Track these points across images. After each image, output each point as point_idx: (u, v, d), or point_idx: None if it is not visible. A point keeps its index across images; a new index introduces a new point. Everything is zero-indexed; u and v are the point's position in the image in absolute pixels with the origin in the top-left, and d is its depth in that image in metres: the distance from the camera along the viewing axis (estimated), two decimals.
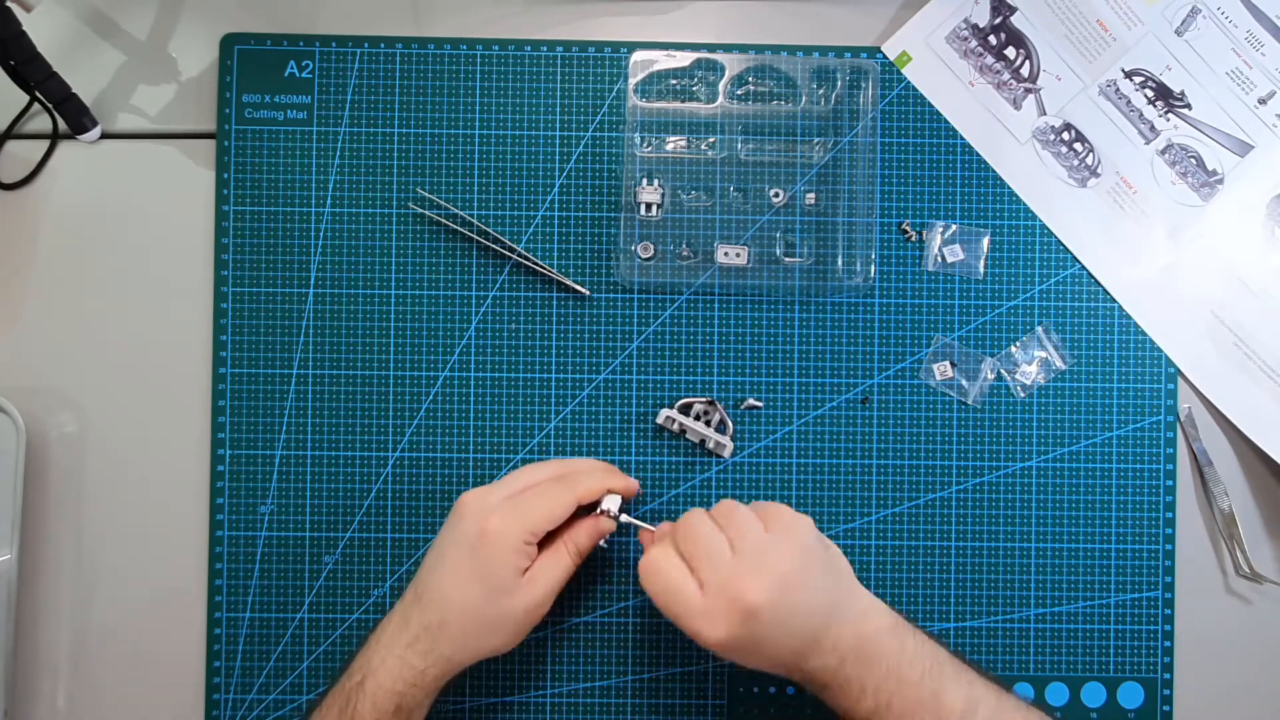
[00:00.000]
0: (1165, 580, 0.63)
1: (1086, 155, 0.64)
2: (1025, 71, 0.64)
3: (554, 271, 0.63)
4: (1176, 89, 0.64)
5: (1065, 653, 0.62)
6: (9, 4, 0.56)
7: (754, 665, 0.51)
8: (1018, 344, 0.63)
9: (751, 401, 0.63)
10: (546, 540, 0.55)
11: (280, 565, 0.62)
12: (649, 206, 0.63)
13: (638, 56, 0.63)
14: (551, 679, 0.62)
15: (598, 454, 0.63)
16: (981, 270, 0.64)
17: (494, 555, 0.52)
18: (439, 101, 0.64)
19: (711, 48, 0.64)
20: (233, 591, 0.62)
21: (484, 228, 0.63)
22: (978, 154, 0.64)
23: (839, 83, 0.64)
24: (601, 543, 0.57)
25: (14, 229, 0.63)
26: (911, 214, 0.64)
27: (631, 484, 0.58)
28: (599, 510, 0.56)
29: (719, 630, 0.49)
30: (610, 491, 0.57)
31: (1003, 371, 0.63)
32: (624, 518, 0.57)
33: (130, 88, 0.64)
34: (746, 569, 0.49)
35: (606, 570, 0.62)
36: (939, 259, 0.63)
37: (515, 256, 0.63)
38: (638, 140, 0.63)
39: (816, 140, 0.64)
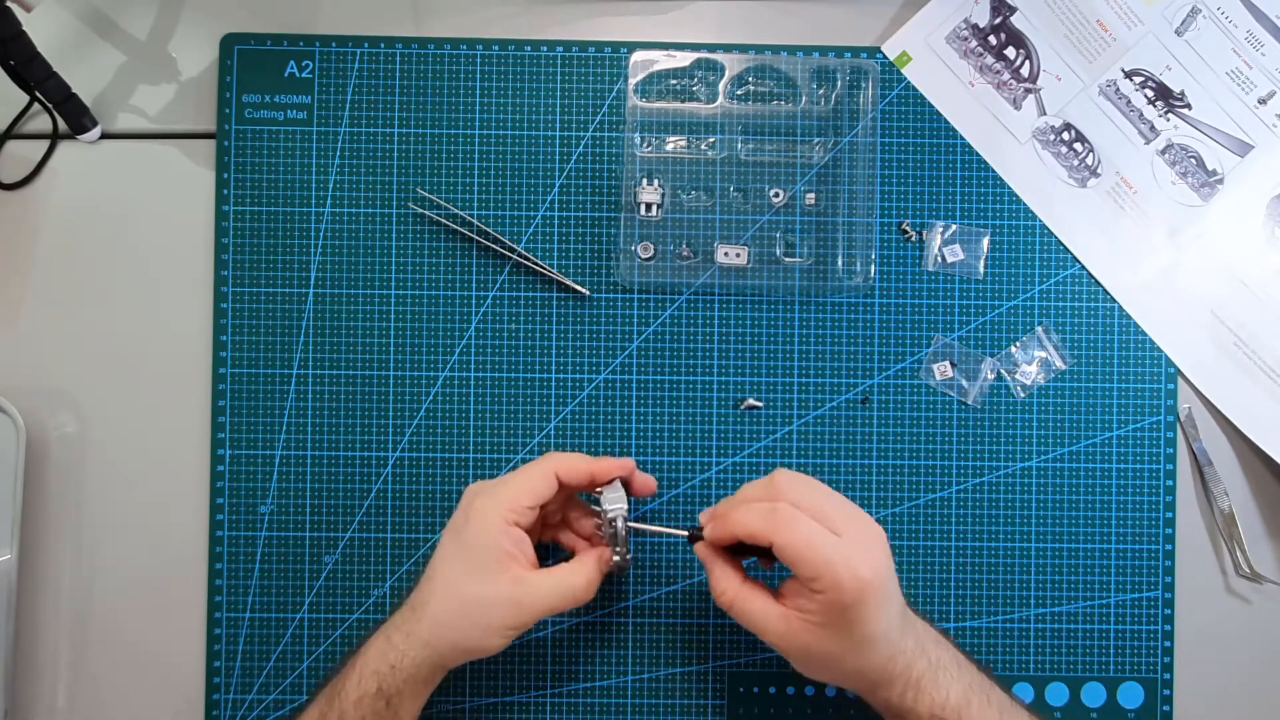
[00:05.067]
0: (1165, 580, 0.63)
1: (1086, 155, 0.64)
2: (1025, 71, 0.64)
3: (554, 271, 0.63)
4: (1176, 89, 0.64)
5: (1065, 653, 0.62)
6: (9, 4, 0.56)
7: (871, 637, 0.48)
8: (1018, 344, 0.63)
9: (751, 401, 0.63)
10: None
11: (280, 565, 0.62)
12: (649, 206, 0.63)
13: (638, 56, 0.63)
14: (551, 679, 0.62)
15: (597, 454, 0.62)
16: (981, 270, 0.64)
17: (475, 534, 0.52)
18: (439, 101, 0.64)
19: (711, 48, 0.64)
20: (233, 591, 0.62)
21: (484, 228, 0.63)
22: (978, 154, 0.64)
23: (839, 83, 0.64)
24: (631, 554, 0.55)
25: (14, 229, 0.63)
26: (911, 214, 0.64)
27: (647, 481, 0.57)
28: (603, 513, 0.54)
29: (869, 561, 0.47)
30: (616, 480, 0.55)
31: (1003, 371, 0.63)
32: (619, 524, 0.54)
33: (130, 88, 0.64)
34: (866, 519, 0.51)
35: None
36: (939, 259, 0.63)
37: (515, 256, 0.63)
38: (638, 140, 0.63)
39: (816, 140, 0.64)
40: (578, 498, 0.59)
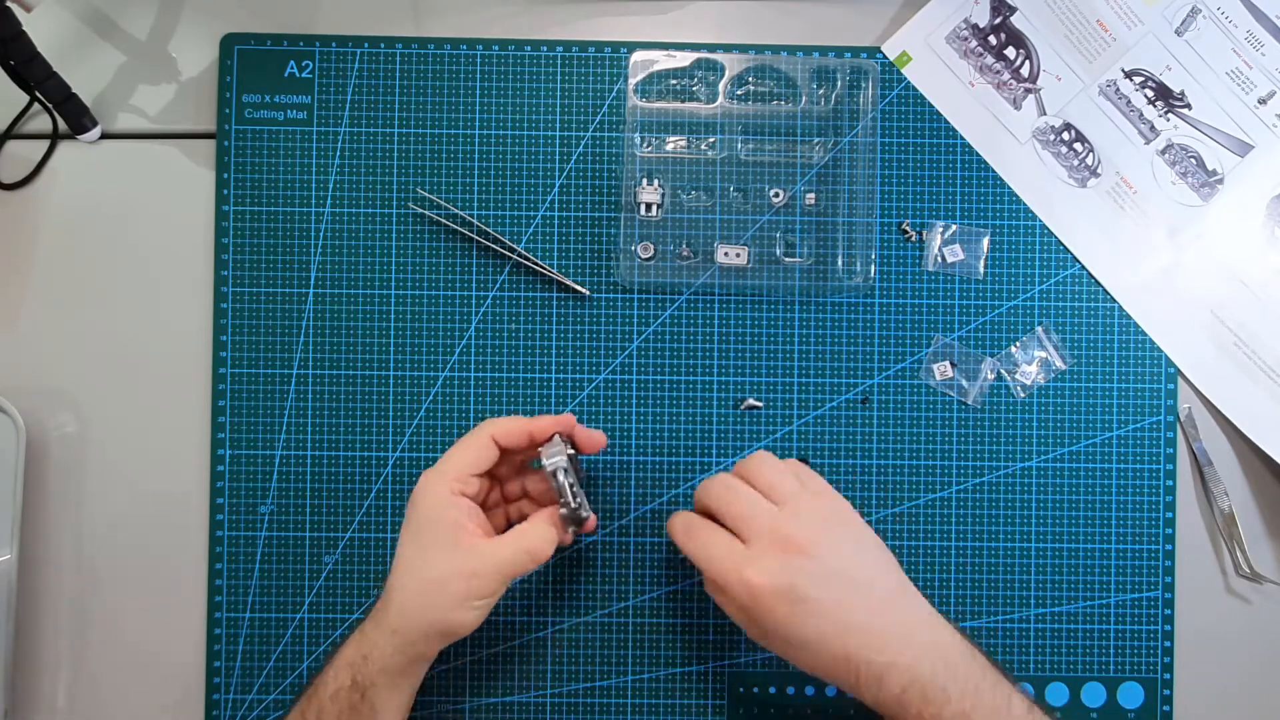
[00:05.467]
0: (1165, 580, 0.63)
1: (1086, 155, 0.64)
2: (1025, 71, 0.64)
3: (554, 271, 0.63)
4: (1176, 89, 0.64)
5: (1065, 653, 0.62)
6: (9, 4, 0.56)
7: (802, 641, 0.48)
8: (1018, 344, 0.63)
9: (751, 401, 0.63)
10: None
11: (280, 565, 0.62)
12: (649, 206, 0.63)
13: (638, 56, 0.63)
14: (551, 679, 0.62)
15: (597, 453, 0.62)
16: (981, 270, 0.64)
17: (423, 511, 0.52)
18: (439, 101, 0.64)
19: (711, 48, 0.64)
20: (233, 591, 0.62)
21: (484, 228, 0.63)
22: (978, 154, 0.64)
23: (839, 83, 0.64)
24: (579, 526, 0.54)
25: (14, 229, 0.63)
26: (911, 214, 0.64)
27: (593, 435, 0.56)
28: (543, 469, 0.53)
29: (766, 572, 0.48)
30: (555, 436, 0.54)
31: (1003, 371, 0.63)
32: (560, 476, 0.53)
33: (130, 88, 0.64)
34: (796, 514, 0.50)
35: (607, 570, 0.62)
36: (939, 259, 0.63)
37: (515, 256, 0.63)
38: (638, 140, 0.63)
39: (816, 140, 0.64)
40: (535, 467, 0.58)
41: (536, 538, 0.53)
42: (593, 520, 0.55)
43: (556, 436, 0.55)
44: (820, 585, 0.48)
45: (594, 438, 0.56)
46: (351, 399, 0.63)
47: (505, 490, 0.58)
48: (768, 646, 0.51)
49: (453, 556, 0.51)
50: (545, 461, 0.54)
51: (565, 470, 0.53)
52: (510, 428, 0.54)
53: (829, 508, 0.52)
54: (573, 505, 0.54)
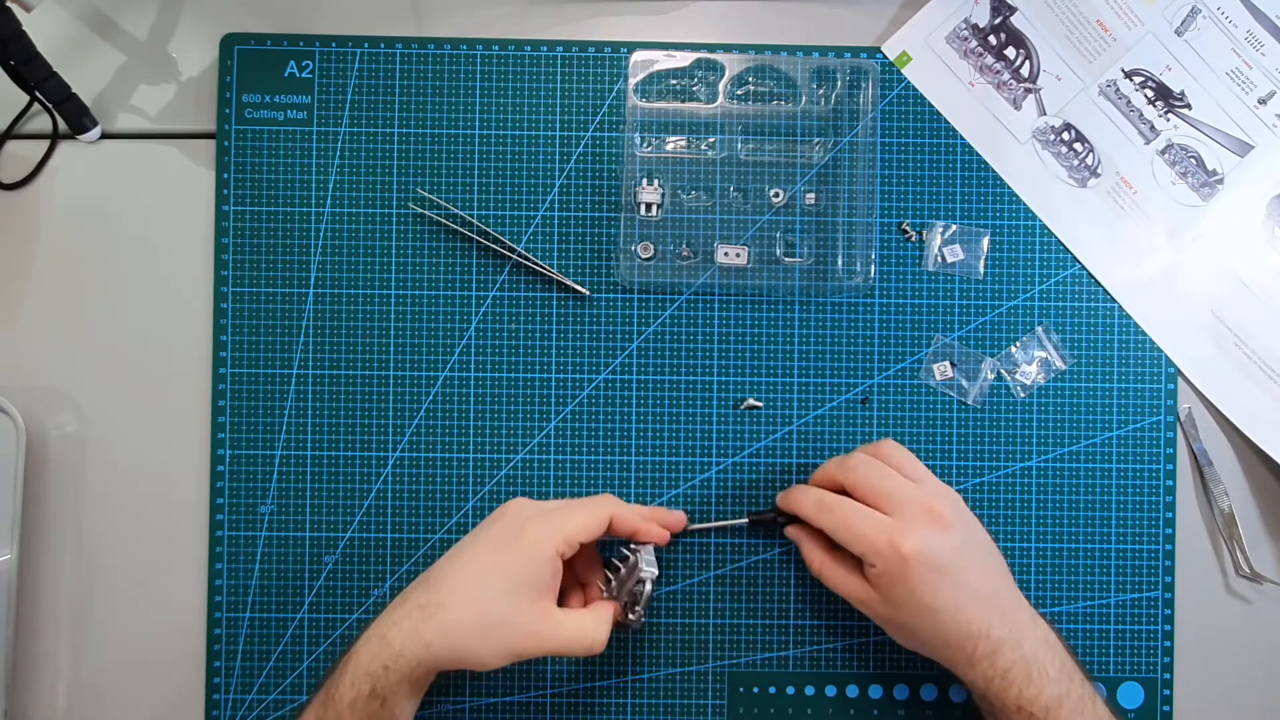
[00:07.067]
0: (1165, 580, 0.63)
1: (1086, 155, 0.64)
2: (1025, 71, 0.64)
3: (554, 271, 0.63)
4: (1176, 89, 0.64)
5: None
6: (9, 4, 0.56)
7: (934, 607, 0.51)
8: (1018, 344, 0.63)
9: (751, 401, 0.63)
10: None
11: (280, 565, 0.62)
12: (649, 206, 0.63)
13: (638, 56, 0.63)
14: (551, 679, 0.62)
15: (597, 454, 0.63)
16: (981, 270, 0.64)
17: (525, 558, 0.52)
18: (439, 101, 0.64)
19: (711, 48, 0.64)
20: (233, 591, 0.62)
21: (484, 228, 0.63)
22: (978, 154, 0.64)
23: (839, 83, 0.64)
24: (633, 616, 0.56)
25: (14, 229, 0.63)
26: (911, 214, 0.64)
27: (664, 535, 0.58)
28: (638, 571, 0.56)
29: (918, 540, 0.51)
30: (647, 541, 0.57)
31: (1003, 371, 0.63)
32: (648, 586, 0.56)
33: (130, 88, 0.64)
34: (934, 493, 0.54)
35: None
36: (939, 259, 0.63)
37: (515, 256, 0.63)
38: (638, 140, 0.63)
39: (816, 140, 0.64)
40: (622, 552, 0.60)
41: (602, 631, 0.54)
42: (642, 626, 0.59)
43: (653, 545, 0.57)
44: (959, 556, 0.52)
45: (664, 536, 0.58)
46: (351, 399, 0.63)
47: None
48: (890, 617, 0.53)
49: (527, 612, 0.51)
50: (643, 570, 0.56)
51: (654, 581, 0.56)
52: (628, 518, 0.56)
53: (954, 493, 0.56)
54: (642, 615, 0.56)
